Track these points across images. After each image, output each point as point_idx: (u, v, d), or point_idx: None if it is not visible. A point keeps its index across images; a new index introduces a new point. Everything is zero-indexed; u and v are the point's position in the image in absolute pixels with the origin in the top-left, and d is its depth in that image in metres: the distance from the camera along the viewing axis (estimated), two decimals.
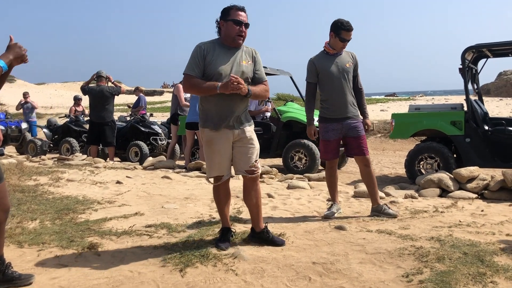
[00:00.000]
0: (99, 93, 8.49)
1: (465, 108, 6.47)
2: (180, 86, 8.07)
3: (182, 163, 8.35)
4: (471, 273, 2.61)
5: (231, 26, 3.17)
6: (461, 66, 6.34)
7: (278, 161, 8.41)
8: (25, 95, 13.66)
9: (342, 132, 4.20)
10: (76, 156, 8.74)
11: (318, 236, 3.53)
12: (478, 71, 7.10)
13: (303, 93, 6.99)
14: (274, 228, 3.61)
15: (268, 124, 7.96)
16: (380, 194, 4.71)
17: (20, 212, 4.29)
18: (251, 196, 3.33)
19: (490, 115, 7.02)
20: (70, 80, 62.20)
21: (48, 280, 2.74)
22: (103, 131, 8.55)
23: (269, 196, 5.18)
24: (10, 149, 12.37)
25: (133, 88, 13.25)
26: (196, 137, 7.62)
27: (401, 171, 7.65)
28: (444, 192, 5.27)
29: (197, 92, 3.28)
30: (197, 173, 6.79)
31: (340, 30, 4.09)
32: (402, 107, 20.33)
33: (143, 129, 9.54)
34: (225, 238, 3.31)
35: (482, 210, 4.38)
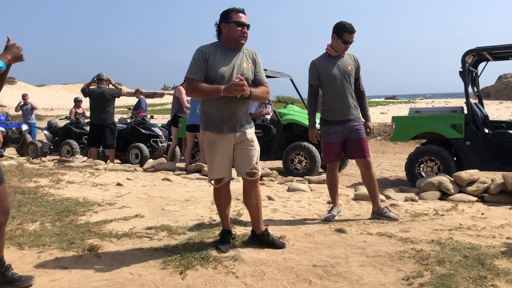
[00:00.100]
0: (100, 95, 8.50)
1: (465, 111, 6.48)
2: (182, 88, 8.07)
3: (182, 165, 8.36)
4: (471, 276, 2.62)
5: (234, 28, 3.18)
6: (461, 69, 6.35)
7: (278, 163, 8.40)
8: (24, 96, 13.66)
9: (344, 135, 4.19)
10: (77, 158, 8.74)
11: (319, 238, 3.53)
12: (478, 74, 7.11)
13: (304, 96, 6.98)
14: (274, 231, 3.60)
15: (268, 126, 7.96)
16: (381, 196, 4.70)
17: (20, 214, 4.29)
18: (251, 198, 3.34)
19: (490, 118, 7.03)
20: (71, 82, 62.16)
21: (48, 282, 2.74)
22: (103, 133, 8.56)
23: (269, 198, 5.18)
24: (10, 151, 12.37)
25: (134, 90, 13.26)
26: (196, 139, 7.63)
27: (401, 174, 7.65)
28: (444, 195, 5.27)
29: (200, 95, 3.23)
30: (197, 175, 6.78)
31: (343, 32, 4.09)
32: (402, 110, 20.36)
33: (143, 131, 9.53)
34: (225, 240, 3.31)
35: (482, 213, 4.38)
